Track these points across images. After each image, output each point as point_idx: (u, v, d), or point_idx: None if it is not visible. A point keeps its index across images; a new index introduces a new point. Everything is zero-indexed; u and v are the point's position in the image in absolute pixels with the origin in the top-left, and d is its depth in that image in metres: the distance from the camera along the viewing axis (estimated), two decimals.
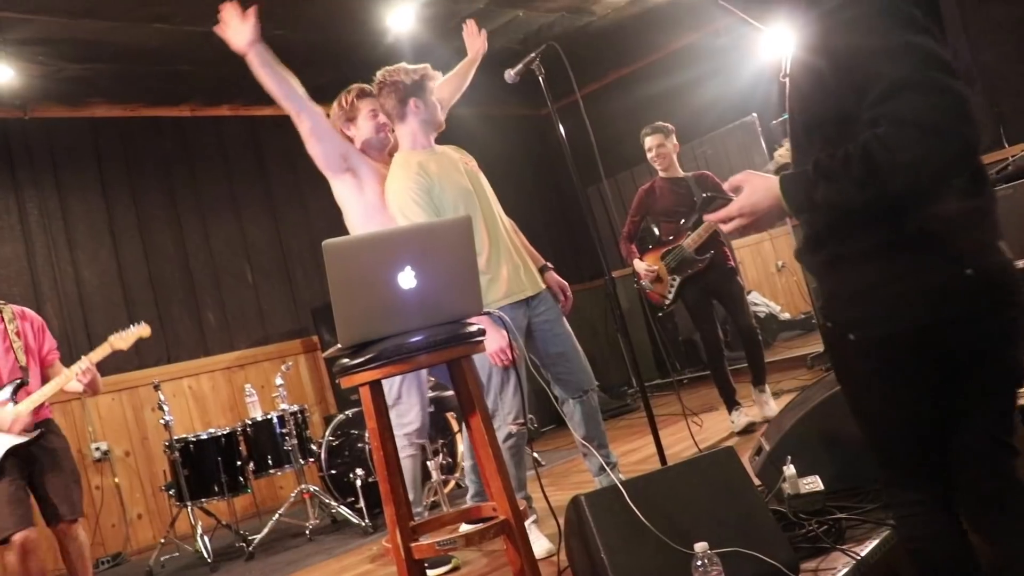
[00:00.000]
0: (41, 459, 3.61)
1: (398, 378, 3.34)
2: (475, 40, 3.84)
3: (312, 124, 3.37)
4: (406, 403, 3.41)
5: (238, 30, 3.23)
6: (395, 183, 3.27)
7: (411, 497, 3.38)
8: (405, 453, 3.42)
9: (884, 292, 1.56)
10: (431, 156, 3.34)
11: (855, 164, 1.45)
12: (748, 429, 4.66)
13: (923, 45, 1.44)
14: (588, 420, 3.41)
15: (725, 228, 1.71)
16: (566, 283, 3.56)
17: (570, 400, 3.40)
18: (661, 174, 5.00)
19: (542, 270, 3.51)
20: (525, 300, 3.30)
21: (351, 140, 3.58)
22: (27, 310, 3.92)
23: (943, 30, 1.57)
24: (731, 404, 4.84)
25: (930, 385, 1.62)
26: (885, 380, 1.63)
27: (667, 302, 4.97)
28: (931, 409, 1.64)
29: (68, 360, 3.91)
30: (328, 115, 3.56)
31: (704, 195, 4.78)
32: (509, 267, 3.28)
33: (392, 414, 3.38)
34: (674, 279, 4.89)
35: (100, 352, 3.83)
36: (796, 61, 1.65)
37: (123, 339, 3.93)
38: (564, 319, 3.45)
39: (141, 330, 4.01)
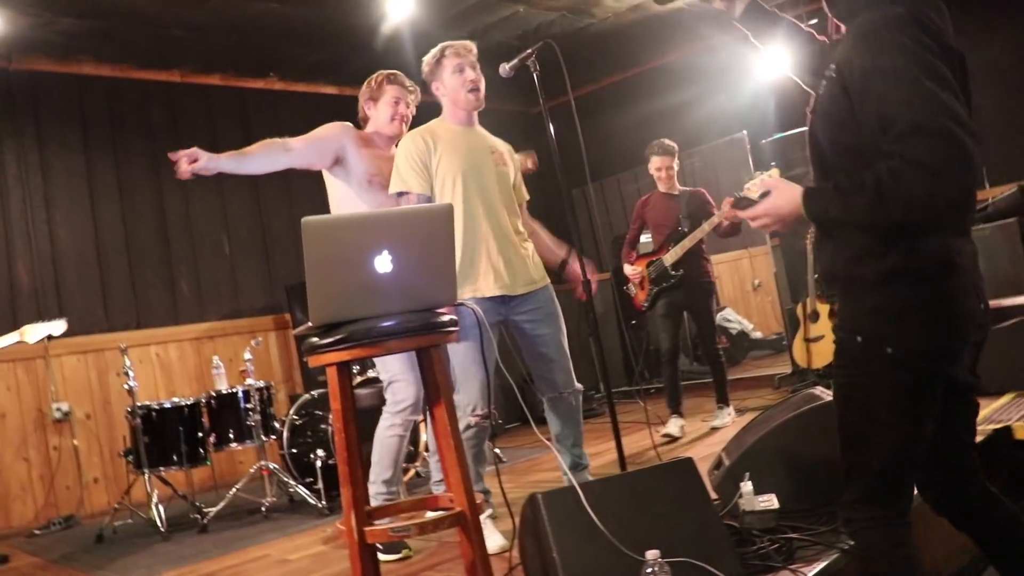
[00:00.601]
0: None
1: (396, 357, 3.36)
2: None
3: (299, 158, 3.52)
4: (403, 381, 3.43)
5: (196, 165, 3.42)
6: (405, 139, 3.38)
7: (389, 475, 3.44)
8: (393, 432, 3.45)
9: (927, 312, 1.75)
10: (454, 130, 3.39)
11: (868, 190, 1.67)
12: (673, 438, 5.08)
13: (942, 97, 1.63)
14: (563, 419, 3.44)
15: (752, 224, 1.92)
16: (581, 275, 3.45)
17: (546, 398, 3.44)
18: (660, 187, 5.41)
19: (562, 265, 3.52)
20: (502, 297, 3.30)
21: (366, 120, 3.65)
22: None
23: (967, 88, 1.78)
24: (673, 409, 5.31)
25: (939, 401, 1.83)
26: (911, 393, 1.80)
27: (645, 308, 5.38)
28: (933, 424, 1.85)
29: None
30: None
31: (684, 217, 5.23)
32: (488, 263, 3.28)
33: (387, 393, 3.49)
34: (652, 288, 5.31)
35: (6, 339, 3.74)
36: (829, 90, 1.85)
37: (35, 332, 3.81)
38: (555, 320, 3.43)
39: (54, 326, 3.89)
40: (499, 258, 3.30)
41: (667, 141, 5.41)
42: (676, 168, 5.42)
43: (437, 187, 3.30)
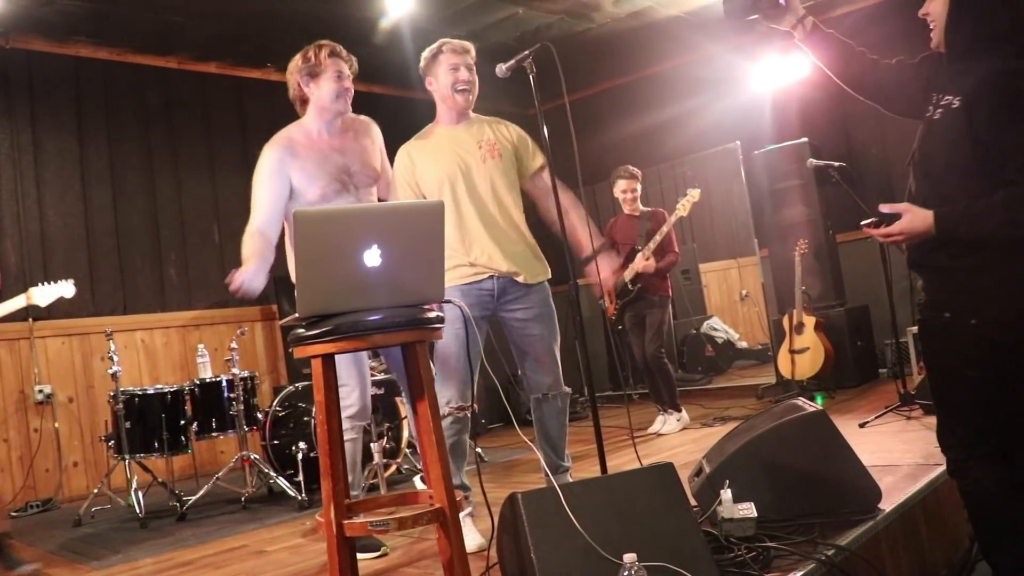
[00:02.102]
0: None
1: (343, 363, 3.25)
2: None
3: (276, 216, 3.42)
4: (347, 387, 3.33)
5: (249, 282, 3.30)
6: (395, 162, 3.43)
7: (349, 479, 3.37)
8: (346, 436, 3.33)
9: (1011, 293, 2.13)
10: (438, 134, 3.42)
11: (997, 211, 2.06)
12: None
13: None
14: (548, 420, 3.45)
15: (886, 241, 2.25)
16: (605, 275, 3.46)
17: (533, 398, 3.45)
18: (624, 210, 5.91)
19: (587, 259, 3.45)
20: (492, 287, 3.30)
21: (307, 99, 3.39)
22: None
23: None
24: (661, 408, 5.74)
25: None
26: (991, 357, 2.19)
27: (614, 319, 5.89)
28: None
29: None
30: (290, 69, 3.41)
31: (641, 236, 5.72)
32: (472, 255, 3.29)
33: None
34: (618, 302, 5.80)
35: (13, 303, 3.56)
36: (950, 118, 2.17)
37: (44, 294, 3.63)
38: (547, 320, 3.42)
39: (64, 289, 3.70)
40: (494, 247, 3.31)
41: (631, 167, 5.89)
42: (639, 191, 5.89)
43: (429, 194, 3.35)
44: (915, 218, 2.18)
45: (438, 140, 3.41)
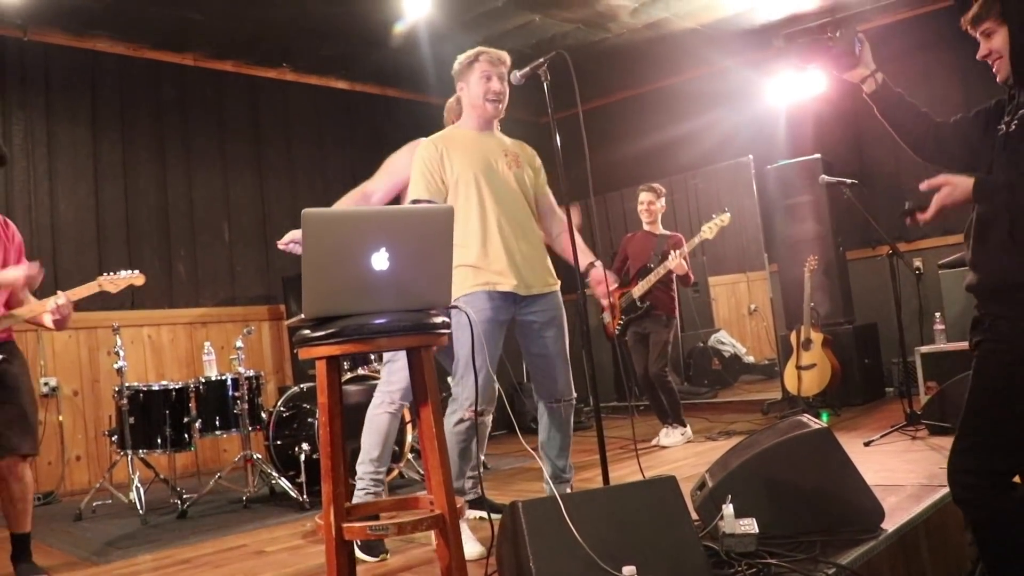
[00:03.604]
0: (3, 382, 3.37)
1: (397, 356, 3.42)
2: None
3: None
4: (399, 363, 3.47)
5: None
6: (421, 145, 3.42)
7: (377, 454, 3.46)
8: (382, 410, 3.50)
9: None
10: (469, 135, 3.44)
11: None
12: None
13: None
14: (554, 428, 3.44)
15: (932, 216, 2.30)
16: (603, 280, 3.46)
17: (542, 404, 3.44)
18: (645, 227, 5.92)
19: (587, 269, 3.47)
20: (513, 293, 3.31)
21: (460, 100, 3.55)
22: (10, 222, 3.68)
23: None
24: (663, 421, 5.75)
25: None
26: None
27: (616, 334, 5.89)
28: None
29: (38, 292, 3.77)
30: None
31: (656, 255, 5.73)
32: (503, 262, 3.29)
33: (384, 371, 3.58)
34: (623, 317, 5.84)
35: (85, 290, 3.58)
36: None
37: (113, 283, 3.67)
38: (559, 326, 3.43)
39: (135, 278, 3.76)
40: (514, 256, 3.32)
41: (656, 184, 5.97)
42: (661, 209, 5.89)
43: (452, 189, 3.34)
44: (956, 186, 2.23)
45: (465, 139, 3.43)
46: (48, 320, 3.52)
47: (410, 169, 3.42)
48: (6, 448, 3.33)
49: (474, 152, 3.38)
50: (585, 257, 3.48)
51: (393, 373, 3.52)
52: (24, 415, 3.39)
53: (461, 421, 3.22)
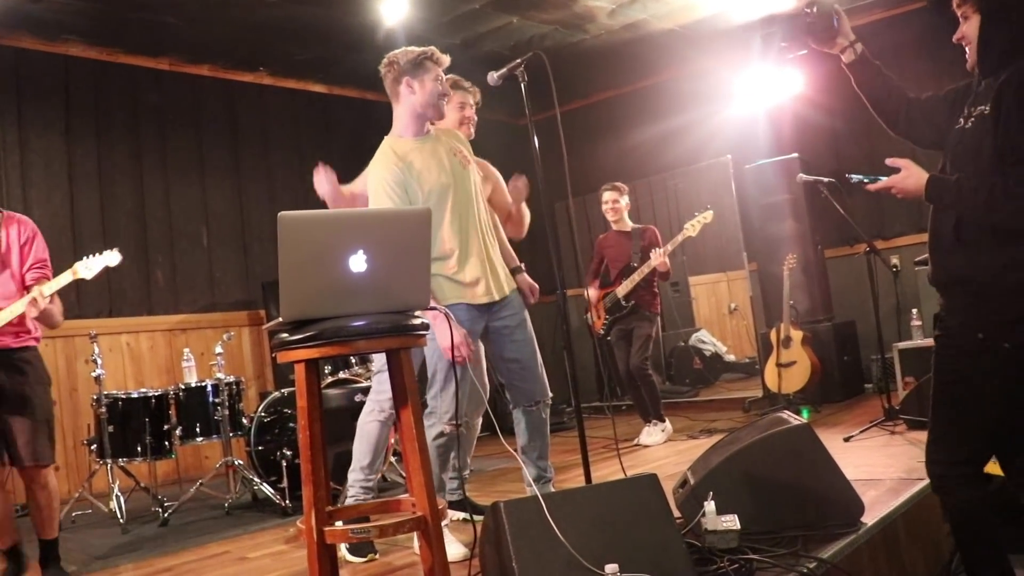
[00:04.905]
0: (9, 393, 3.32)
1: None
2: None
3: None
4: (388, 372, 3.37)
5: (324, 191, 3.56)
6: (374, 170, 3.23)
7: (368, 461, 3.43)
8: (372, 418, 3.45)
9: None
10: (417, 146, 3.25)
11: (981, 193, 2.18)
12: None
13: None
14: (533, 431, 3.42)
15: (880, 190, 2.37)
16: (536, 285, 3.58)
17: (520, 408, 3.42)
18: (612, 226, 5.98)
19: (515, 271, 3.51)
20: (488, 304, 3.29)
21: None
22: (22, 217, 3.56)
23: None
24: (645, 419, 5.82)
25: None
26: (1018, 379, 2.25)
27: (601, 333, 5.97)
28: None
29: None
30: None
31: (635, 252, 5.80)
32: (478, 269, 3.26)
33: (373, 380, 3.54)
34: (608, 317, 5.89)
35: (59, 280, 3.45)
36: (980, 124, 2.26)
37: (88, 267, 3.52)
38: (528, 326, 3.43)
39: (109, 258, 3.59)
40: (484, 265, 3.29)
41: (617, 182, 6.00)
42: (625, 206, 5.94)
43: (423, 203, 3.19)
44: (910, 176, 2.29)
45: (417, 150, 3.25)
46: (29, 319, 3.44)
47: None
48: (20, 460, 3.34)
49: (432, 164, 3.23)
50: (512, 262, 3.57)
51: (383, 383, 3.42)
52: (34, 427, 3.36)
53: (441, 435, 3.21)
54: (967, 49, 2.36)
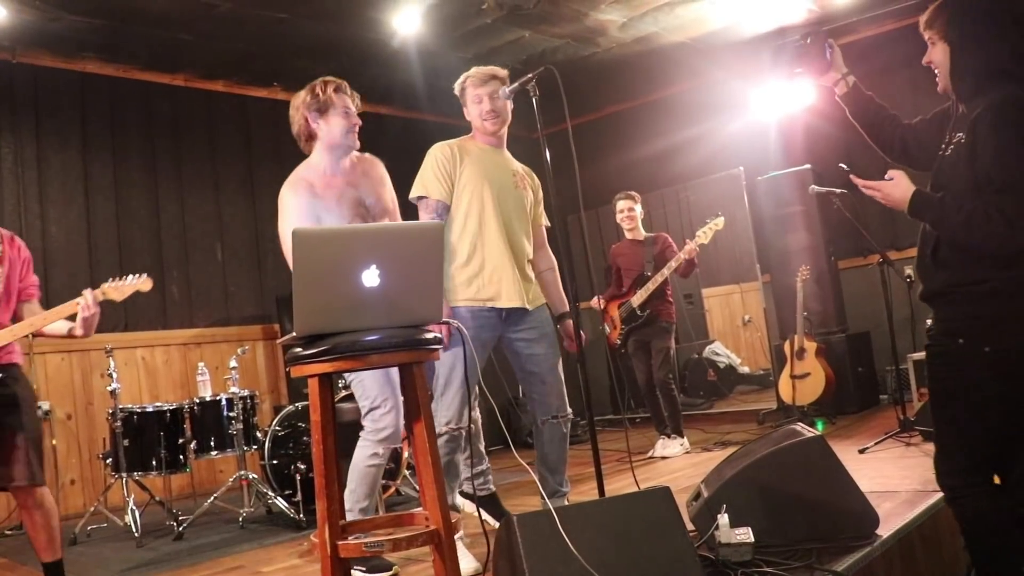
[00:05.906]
0: None
1: (375, 381, 3.21)
2: None
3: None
4: (382, 408, 3.23)
5: None
6: (431, 151, 3.45)
7: (366, 504, 3.29)
8: (374, 461, 3.26)
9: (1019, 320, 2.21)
10: (483, 148, 3.50)
11: (961, 213, 2.19)
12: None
13: None
14: (551, 444, 3.45)
15: (865, 190, 2.41)
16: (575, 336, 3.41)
17: (538, 421, 3.45)
18: (627, 235, 5.99)
19: (561, 317, 3.58)
20: (500, 310, 3.31)
21: (314, 135, 3.38)
22: (17, 236, 3.48)
23: None
24: (660, 432, 5.80)
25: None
26: (1003, 383, 2.24)
27: (618, 344, 5.93)
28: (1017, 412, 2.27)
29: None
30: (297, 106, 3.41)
31: (648, 261, 5.80)
32: (500, 274, 3.32)
33: (366, 420, 3.28)
34: (623, 327, 5.87)
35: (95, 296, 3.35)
36: (958, 151, 2.29)
37: (118, 289, 3.43)
38: (551, 342, 3.45)
39: (141, 283, 3.49)
40: (508, 271, 3.35)
41: (631, 191, 5.99)
42: (640, 214, 5.96)
43: (458, 196, 3.38)
44: (898, 186, 2.33)
45: (478, 150, 3.49)
46: (63, 327, 3.35)
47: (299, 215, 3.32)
48: (10, 480, 3.20)
49: (485, 164, 3.44)
50: (562, 306, 3.59)
51: (378, 421, 3.24)
52: (23, 446, 3.22)
53: (438, 436, 3.21)
54: (936, 72, 2.39)
